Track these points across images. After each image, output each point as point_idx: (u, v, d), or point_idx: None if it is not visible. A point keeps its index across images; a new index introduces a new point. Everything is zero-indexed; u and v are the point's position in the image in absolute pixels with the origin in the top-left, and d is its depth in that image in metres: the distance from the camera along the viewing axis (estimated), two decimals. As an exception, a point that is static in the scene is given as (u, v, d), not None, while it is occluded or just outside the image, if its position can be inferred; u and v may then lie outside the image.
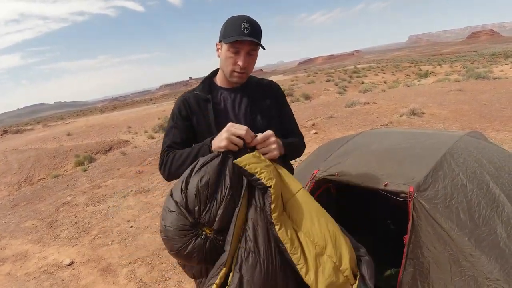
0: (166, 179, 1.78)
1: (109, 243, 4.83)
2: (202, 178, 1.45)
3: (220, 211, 1.44)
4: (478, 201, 1.94)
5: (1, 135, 31.26)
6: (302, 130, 9.96)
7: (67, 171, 12.90)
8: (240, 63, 1.68)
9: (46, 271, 4.34)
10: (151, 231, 4.99)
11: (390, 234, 3.22)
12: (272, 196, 1.43)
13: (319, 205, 1.59)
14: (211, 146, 1.57)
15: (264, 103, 1.88)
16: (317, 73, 58.08)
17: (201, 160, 1.52)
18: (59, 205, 6.92)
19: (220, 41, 1.73)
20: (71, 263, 4.43)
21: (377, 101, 13.66)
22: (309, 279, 1.42)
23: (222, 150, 1.50)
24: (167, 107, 34.52)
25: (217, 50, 1.77)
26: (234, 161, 1.45)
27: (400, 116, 9.89)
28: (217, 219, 1.44)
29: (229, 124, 1.53)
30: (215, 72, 1.92)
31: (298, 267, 1.43)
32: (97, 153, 15.62)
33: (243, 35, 1.62)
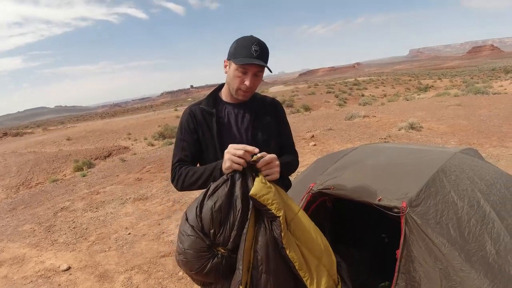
0: (178, 190, 1.89)
1: (107, 249, 4.86)
2: (216, 203, 1.55)
3: (233, 233, 1.55)
4: (468, 218, 1.99)
5: (1, 137, 31.33)
6: (301, 142, 10.05)
7: (65, 176, 12.93)
8: (247, 83, 1.77)
9: (43, 275, 4.36)
10: (148, 238, 5.02)
11: (385, 248, 3.26)
12: (282, 226, 1.54)
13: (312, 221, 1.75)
14: (221, 169, 1.67)
15: (266, 120, 1.96)
16: (317, 85, 58.36)
17: (213, 185, 1.60)
18: (57, 210, 6.94)
19: (229, 59, 1.81)
20: (68, 268, 4.45)
21: (377, 114, 13.76)
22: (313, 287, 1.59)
23: (230, 171, 1.60)
24: (168, 114, 34.64)
25: (225, 66, 1.85)
26: (250, 194, 1.53)
27: (399, 130, 9.96)
28: (231, 240, 1.55)
29: (230, 146, 1.62)
30: (220, 87, 2.00)
31: (304, 279, 1.59)
32: (96, 159, 15.68)
33: (253, 57, 1.71)
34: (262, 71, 1.81)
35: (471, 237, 1.95)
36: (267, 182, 1.61)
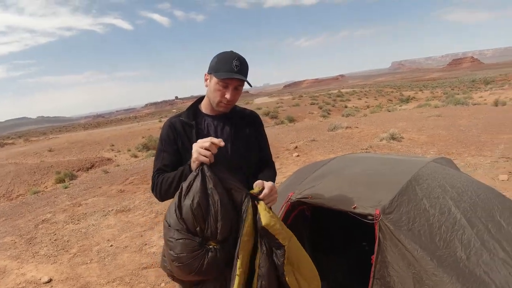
0: (159, 200, 1.93)
1: (88, 261, 4.82)
2: (193, 201, 1.59)
3: (219, 224, 1.59)
4: (439, 225, 2.07)
5: (-19, 149, 30.73)
6: (285, 153, 10.12)
7: (47, 188, 12.76)
8: (227, 96, 1.84)
9: (24, 287, 4.31)
10: (130, 250, 5.00)
11: (365, 255, 3.33)
12: (286, 254, 1.62)
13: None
14: (190, 165, 1.73)
15: (245, 132, 2.01)
16: (302, 96, 58.84)
17: (185, 184, 1.64)
18: (38, 222, 6.85)
19: (210, 73, 1.87)
20: (50, 280, 4.40)
21: (359, 125, 13.96)
22: None
23: (198, 165, 1.65)
24: (152, 125, 34.47)
25: (206, 80, 1.91)
26: (263, 225, 1.60)
27: (380, 140, 10.14)
28: (218, 231, 1.60)
29: (198, 140, 1.70)
30: (200, 99, 2.04)
31: None
32: (78, 170, 15.50)
33: (233, 72, 1.78)
34: (242, 85, 1.88)
35: (442, 243, 2.02)
36: (270, 211, 1.67)
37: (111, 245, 5.25)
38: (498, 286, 1.95)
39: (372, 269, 2.03)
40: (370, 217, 2.04)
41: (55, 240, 5.78)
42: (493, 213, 2.40)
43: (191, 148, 1.82)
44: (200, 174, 1.62)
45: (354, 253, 3.58)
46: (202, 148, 1.65)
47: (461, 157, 7.78)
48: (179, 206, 1.62)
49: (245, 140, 2.00)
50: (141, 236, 5.47)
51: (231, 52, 1.85)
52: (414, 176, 2.36)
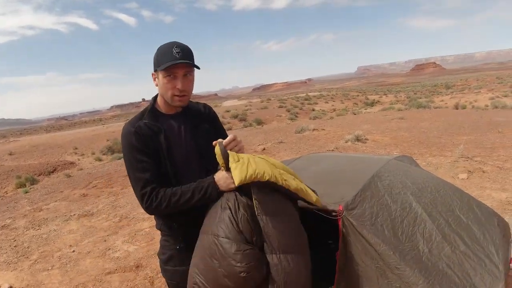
0: (150, 214, 1.85)
1: (50, 268, 4.65)
2: (246, 213, 1.67)
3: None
4: (401, 219, 2.12)
5: None
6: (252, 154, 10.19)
7: (7, 193, 12.28)
8: (178, 86, 1.78)
9: (-19, 296, 4.13)
10: (93, 255, 4.86)
11: (331, 253, 3.37)
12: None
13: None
14: (217, 187, 1.74)
15: (203, 127, 2.00)
16: (270, 99, 59.23)
17: (230, 199, 1.71)
18: (-3, 228, 6.57)
19: (155, 71, 1.81)
20: (9, 288, 4.23)
21: (326, 127, 14.17)
22: None
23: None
24: (117, 128, 33.75)
25: (154, 80, 1.86)
26: (236, 184, 1.66)
27: (346, 142, 10.32)
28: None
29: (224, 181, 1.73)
30: (154, 100, 1.97)
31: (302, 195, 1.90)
32: (40, 175, 15.00)
33: (176, 59, 1.73)
34: (192, 72, 1.84)
35: (404, 237, 2.06)
36: (239, 157, 1.71)
37: (73, 251, 5.08)
38: (461, 278, 2.00)
39: (337, 264, 2.05)
40: (333, 213, 2.06)
41: (15, 246, 5.55)
42: (452, 208, 2.48)
43: (161, 153, 1.82)
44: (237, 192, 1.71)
45: (320, 252, 3.62)
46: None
47: (423, 157, 8.02)
48: (235, 219, 1.64)
49: (206, 135, 1.97)
50: (105, 241, 5.33)
51: (169, 42, 1.80)
52: (377, 172, 2.41)
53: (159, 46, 1.81)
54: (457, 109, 22.16)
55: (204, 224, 1.78)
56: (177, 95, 1.82)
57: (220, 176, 1.75)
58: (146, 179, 1.77)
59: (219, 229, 1.65)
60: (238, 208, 1.67)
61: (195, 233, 1.80)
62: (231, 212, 1.66)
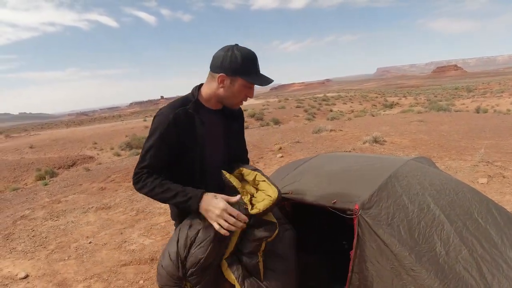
0: (136, 190, 1.90)
1: (66, 258, 4.73)
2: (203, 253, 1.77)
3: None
4: (418, 220, 2.09)
5: (-41, 145, 30.02)
6: (269, 154, 10.14)
7: (27, 185, 12.55)
8: (251, 96, 1.88)
9: (0, 283, 4.21)
10: (109, 247, 4.93)
11: (345, 254, 3.34)
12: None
13: None
14: (198, 206, 1.75)
15: (235, 127, 2.07)
16: (288, 99, 59.14)
17: (191, 232, 1.82)
18: (16, 218, 6.70)
19: (234, 75, 1.78)
20: (26, 276, 4.31)
21: (343, 128, 14.06)
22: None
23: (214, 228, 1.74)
24: (136, 124, 34.17)
25: (222, 81, 1.81)
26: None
27: (363, 143, 10.22)
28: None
29: (223, 207, 1.70)
30: (198, 89, 1.95)
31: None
32: (59, 168, 15.28)
33: (259, 73, 1.82)
34: None
35: (421, 238, 2.03)
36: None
37: (90, 242, 5.17)
38: (478, 282, 1.96)
39: (351, 263, 2.03)
40: (349, 212, 2.04)
41: (33, 236, 5.67)
42: (471, 211, 2.43)
43: (194, 144, 1.85)
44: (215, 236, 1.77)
45: (334, 252, 3.60)
46: (227, 223, 1.68)
47: (442, 161, 7.89)
48: (184, 254, 1.78)
49: (236, 135, 2.06)
50: (121, 233, 5.40)
51: (250, 50, 1.80)
52: (394, 173, 2.37)
53: (240, 50, 1.77)
54: (478, 113, 21.73)
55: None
56: (242, 103, 1.91)
57: (209, 200, 1.75)
58: (150, 163, 1.83)
59: (166, 253, 1.85)
60: (198, 244, 1.77)
61: None
62: (186, 243, 1.79)
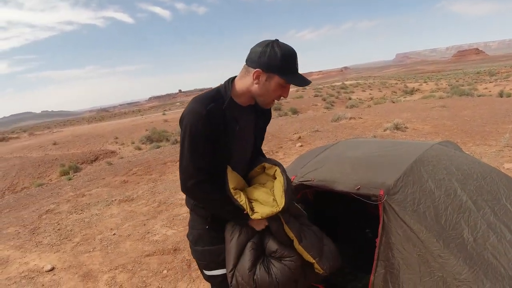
0: (184, 193, 1.89)
1: (91, 250, 4.82)
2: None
3: None
4: (445, 206, 2.03)
5: (-15, 143, 30.87)
6: (288, 143, 10.11)
7: (51, 180, 12.80)
8: (285, 95, 1.79)
9: (27, 276, 4.31)
10: (133, 238, 4.99)
11: (369, 242, 3.29)
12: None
13: None
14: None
15: (261, 124, 2.02)
16: (305, 89, 58.61)
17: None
18: (42, 213, 6.86)
19: (272, 72, 1.69)
20: (52, 268, 4.40)
21: (363, 116, 13.88)
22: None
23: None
24: (155, 118, 34.44)
25: (257, 77, 1.71)
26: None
27: (384, 130, 10.07)
28: None
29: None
30: (231, 84, 1.85)
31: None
32: (82, 163, 15.53)
33: (297, 72, 1.74)
34: None
35: (448, 225, 1.98)
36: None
37: (114, 234, 5.24)
38: (506, 269, 1.90)
39: (376, 251, 1.99)
40: (374, 198, 2.00)
41: (59, 229, 5.78)
42: (499, 196, 2.35)
43: (225, 142, 1.79)
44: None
45: (358, 240, 3.55)
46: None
47: (466, 146, 7.71)
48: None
49: (261, 133, 2.05)
50: (144, 224, 5.46)
51: (291, 48, 1.70)
52: (419, 157, 2.31)
53: (280, 47, 1.68)
54: (501, 97, 21.15)
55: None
56: (275, 101, 1.83)
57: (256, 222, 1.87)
58: (200, 166, 1.76)
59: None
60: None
61: None
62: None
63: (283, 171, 1.90)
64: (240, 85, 1.79)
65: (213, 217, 1.92)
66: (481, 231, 2.02)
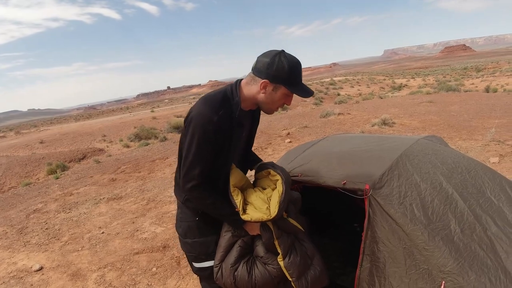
0: (185, 194, 1.95)
1: (80, 249, 4.79)
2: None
3: None
4: (432, 198, 2.05)
5: (-29, 142, 30.37)
6: (277, 139, 10.11)
7: (39, 179, 12.64)
8: (288, 104, 1.88)
9: (16, 276, 4.27)
10: (122, 237, 4.97)
11: (358, 237, 3.32)
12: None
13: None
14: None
15: (255, 126, 2.11)
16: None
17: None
18: (30, 212, 6.79)
19: (278, 83, 1.77)
20: (41, 268, 4.37)
21: (351, 111, 13.96)
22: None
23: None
24: (144, 116, 34.20)
25: (264, 87, 1.79)
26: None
27: (372, 126, 10.14)
28: None
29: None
30: (238, 88, 1.89)
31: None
32: (70, 161, 15.36)
33: (301, 82, 1.82)
34: None
35: (435, 216, 2.00)
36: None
37: (103, 232, 5.21)
38: (493, 261, 1.93)
39: (362, 245, 2.00)
40: (360, 192, 2.02)
41: (47, 229, 5.73)
42: (483, 189, 2.39)
43: (228, 145, 1.85)
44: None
45: (347, 235, 3.58)
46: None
47: (453, 141, 7.80)
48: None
49: (254, 134, 2.14)
50: (133, 222, 5.44)
51: (296, 59, 1.78)
52: (405, 152, 2.34)
53: (287, 59, 1.75)
54: (488, 92, 21.40)
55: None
56: (278, 109, 1.94)
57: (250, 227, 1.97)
58: (203, 170, 1.81)
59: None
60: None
61: None
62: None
63: (286, 182, 1.93)
64: (247, 91, 1.85)
65: (202, 213, 1.98)
66: (468, 222, 2.05)
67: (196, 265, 2.06)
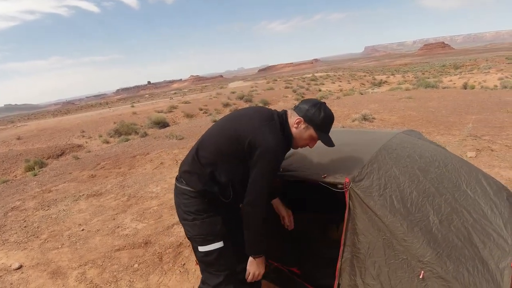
0: (254, 208, 2.07)
1: (59, 246, 4.72)
2: None
3: None
4: (410, 190, 2.11)
5: None
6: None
7: (16, 176, 12.39)
8: (310, 147, 2.21)
9: (-6, 275, 4.20)
10: (103, 233, 4.92)
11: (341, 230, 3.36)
12: None
13: None
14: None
15: None
16: (276, 80, 58.83)
17: None
18: (7, 210, 6.64)
19: (312, 125, 2.09)
20: (20, 266, 4.29)
21: (332, 107, 14.01)
22: None
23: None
24: (123, 111, 33.76)
25: (298, 123, 2.10)
26: None
27: (353, 121, 10.26)
28: None
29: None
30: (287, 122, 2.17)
31: None
32: (48, 158, 15.10)
33: (328, 136, 2.14)
34: None
35: (414, 207, 2.05)
36: None
37: (83, 229, 5.15)
38: (470, 251, 1.99)
39: (343, 237, 2.04)
40: (340, 186, 2.05)
41: (25, 227, 5.62)
42: (459, 183, 2.45)
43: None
44: None
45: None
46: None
47: (431, 136, 7.96)
48: None
49: None
50: (114, 219, 5.38)
51: (331, 114, 2.14)
52: (384, 145, 2.38)
53: (325, 110, 2.10)
54: (465, 89, 21.89)
55: None
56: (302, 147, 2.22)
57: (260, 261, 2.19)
58: (268, 192, 2.08)
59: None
60: None
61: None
62: None
63: None
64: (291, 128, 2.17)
65: (210, 200, 2.11)
66: (446, 213, 2.12)
67: (203, 248, 2.13)
